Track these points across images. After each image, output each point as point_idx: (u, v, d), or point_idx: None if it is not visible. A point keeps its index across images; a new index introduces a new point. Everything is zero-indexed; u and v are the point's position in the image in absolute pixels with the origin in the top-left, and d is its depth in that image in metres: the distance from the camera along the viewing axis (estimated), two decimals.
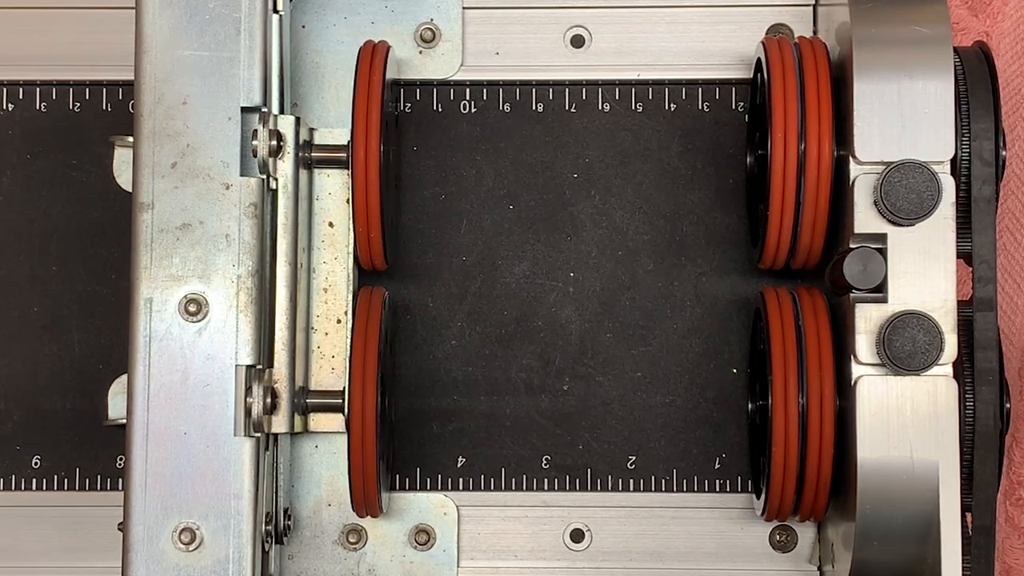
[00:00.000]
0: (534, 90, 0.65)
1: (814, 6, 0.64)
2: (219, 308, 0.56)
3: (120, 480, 0.63)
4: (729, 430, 0.63)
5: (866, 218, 0.55)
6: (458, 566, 0.63)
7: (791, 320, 0.58)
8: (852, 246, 0.55)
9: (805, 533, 0.63)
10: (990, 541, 0.56)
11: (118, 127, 0.63)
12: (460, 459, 0.63)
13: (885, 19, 0.56)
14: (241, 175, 0.57)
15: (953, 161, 0.55)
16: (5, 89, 0.65)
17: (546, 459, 0.63)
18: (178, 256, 0.57)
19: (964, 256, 0.56)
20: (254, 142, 0.57)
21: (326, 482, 0.63)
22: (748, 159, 0.63)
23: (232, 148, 0.57)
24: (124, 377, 0.59)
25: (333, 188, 0.62)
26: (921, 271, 0.55)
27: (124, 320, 0.57)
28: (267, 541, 0.57)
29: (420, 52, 0.64)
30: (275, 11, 0.58)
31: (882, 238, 0.55)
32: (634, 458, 0.63)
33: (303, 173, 0.60)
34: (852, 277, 0.55)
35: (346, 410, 0.59)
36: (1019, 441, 0.66)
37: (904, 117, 0.55)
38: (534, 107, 0.64)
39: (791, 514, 0.60)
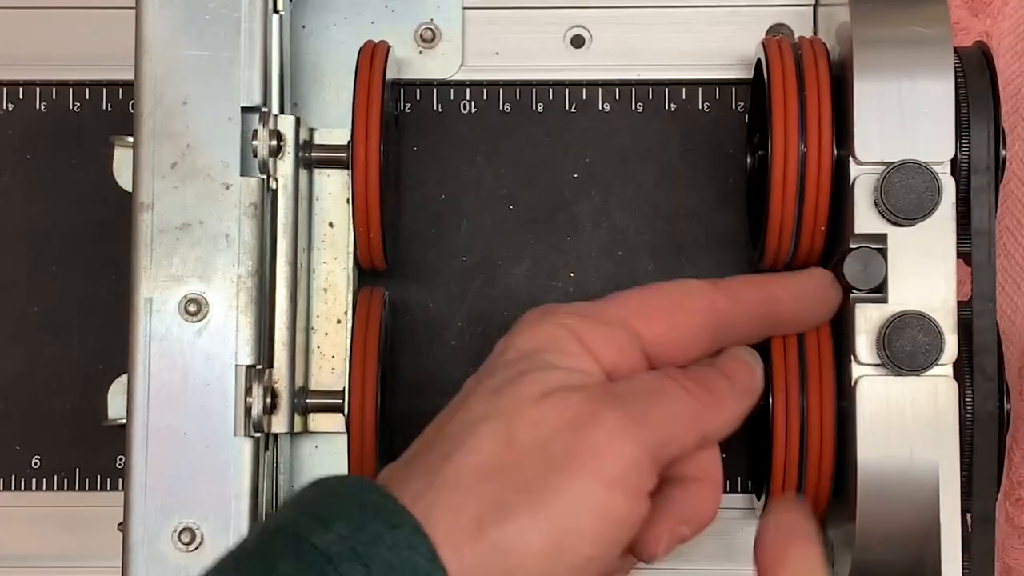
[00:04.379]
0: (534, 90, 0.65)
1: (814, 6, 0.64)
2: (219, 308, 0.56)
3: (120, 480, 0.63)
4: None
5: (866, 218, 0.55)
6: None
7: None
8: (852, 246, 0.55)
9: None
10: (990, 541, 0.56)
11: (118, 127, 0.63)
12: None
13: (885, 19, 0.56)
14: (241, 175, 0.57)
15: (953, 161, 0.55)
16: (5, 89, 0.65)
17: None
18: (178, 256, 0.57)
19: (964, 256, 0.56)
20: (254, 142, 0.57)
21: None
22: (748, 159, 0.63)
23: (232, 148, 0.57)
24: (124, 377, 0.59)
25: (333, 188, 0.62)
26: (921, 271, 0.55)
27: (124, 320, 0.57)
28: None
29: (420, 52, 0.64)
30: (275, 11, 0.58)
31: (882, 238, 0.55)
32: None
33: (303, 173, 0.60)
34: (852, 277, 0.54)
35: (346, 410, 0.59)
36: (1019, 441, 0.66)
37: (904, 117, 0.55)
38: (534, 107, 0.64)
39: None
